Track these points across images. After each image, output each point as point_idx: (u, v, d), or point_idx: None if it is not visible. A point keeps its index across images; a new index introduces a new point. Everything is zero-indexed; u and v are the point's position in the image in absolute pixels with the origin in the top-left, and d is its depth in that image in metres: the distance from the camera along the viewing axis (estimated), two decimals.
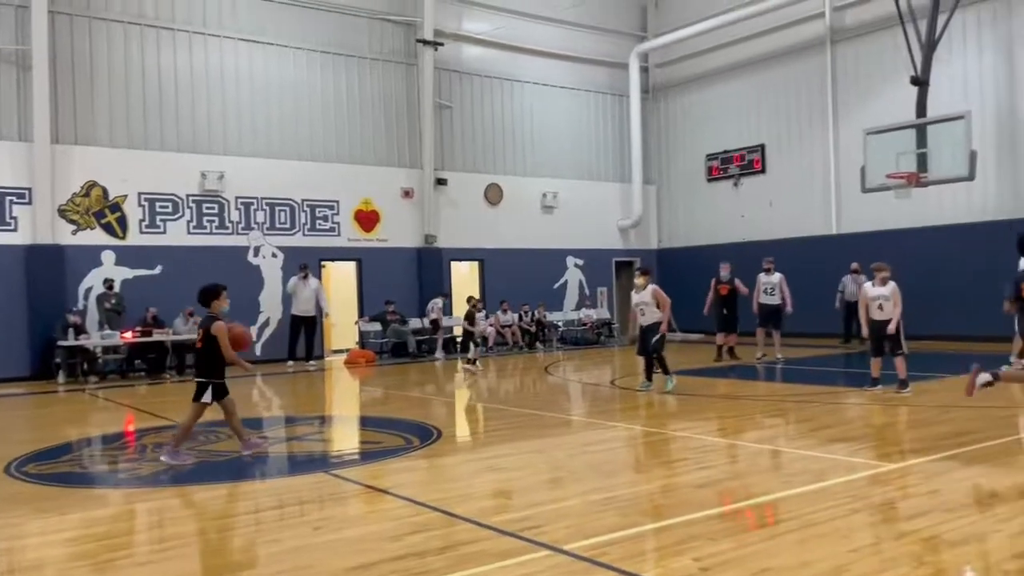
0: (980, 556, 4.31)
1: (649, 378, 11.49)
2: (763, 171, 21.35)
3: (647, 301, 11.30)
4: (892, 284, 10.20)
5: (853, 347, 16.28)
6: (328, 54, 18.89)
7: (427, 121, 19.83)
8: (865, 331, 10.63)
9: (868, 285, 10.52)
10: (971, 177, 14.66)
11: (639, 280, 11.51)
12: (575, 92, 22.82)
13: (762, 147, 21.34)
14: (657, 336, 11.20)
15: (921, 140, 15.06)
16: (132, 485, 6.70)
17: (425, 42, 19.70)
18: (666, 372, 11.26)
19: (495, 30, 21.14)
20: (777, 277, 14.97)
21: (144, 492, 6.45)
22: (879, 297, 10.21)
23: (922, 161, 14.95)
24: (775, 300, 14.95)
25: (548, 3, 21.92)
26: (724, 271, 15.50)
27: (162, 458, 7.28)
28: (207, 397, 7.38)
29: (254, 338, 8.02)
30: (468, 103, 21.05)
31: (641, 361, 11.80)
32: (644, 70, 23.60)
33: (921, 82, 15.58)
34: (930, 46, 15.59)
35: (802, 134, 20.49)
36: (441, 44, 20.01)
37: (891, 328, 10.09)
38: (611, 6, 23.39)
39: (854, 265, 16.73)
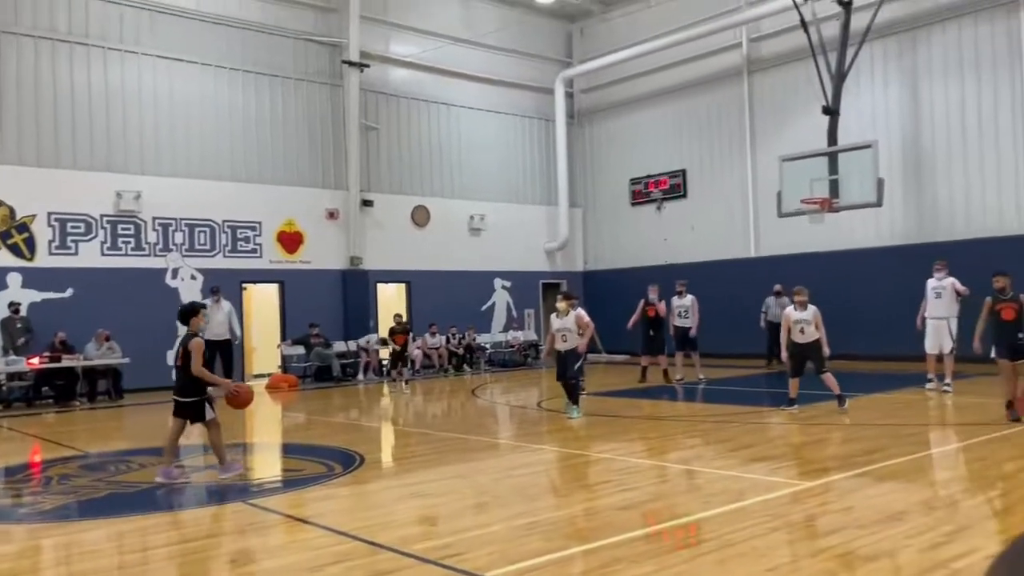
0: (892, 571, 4.45)
1: (574, 401, 11.49)
2: (684, 195, 21.85)
3: (569, 327, 11.04)
4: (812, 308, 10.69)
5: (775, 367, 16.70)
6: (251, 73, 18.59)
7: (353, 142, 19.66)
8: (784, 354, 10.98)
9: (791, 309, 10.91)
10: (879, 203, 15.26)
11: (561, 305, 11.21)
12: (502, 116, 23.00)
13: (684, 172, 21.85)
14: (578, 363, 11.08)
15: (833, 167, 15.62)
16: (36, 520, 6.38)
17: (351, 63, 19.58)
18: (574, 402, 11.16)
19: (422, 53, 21.16)
20: (689, 299, 15.31)
21: (51, 527, 6.14)
22: (801, 321, 10.64)
23: (834, 187, 15.51)
24: (688, 323, 15.27)
25: (474, 27, 22.09)
26: (652, 293, 15.71)
27: (221, 475, 7.52)
28: (210, 413, 7.53)
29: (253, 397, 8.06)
30: (395, 125, 20.97)
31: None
32: (569, 95, 23.97)
33: (832, 112, 16.20)
34: (840, 77, 16.25)
35: (722, 160, 21.07)
36: (367, 66, 19.91)
37: (826, 350, 10.61)
38: (537, 32, 23.70)
39: (777, 287, 17.23)
